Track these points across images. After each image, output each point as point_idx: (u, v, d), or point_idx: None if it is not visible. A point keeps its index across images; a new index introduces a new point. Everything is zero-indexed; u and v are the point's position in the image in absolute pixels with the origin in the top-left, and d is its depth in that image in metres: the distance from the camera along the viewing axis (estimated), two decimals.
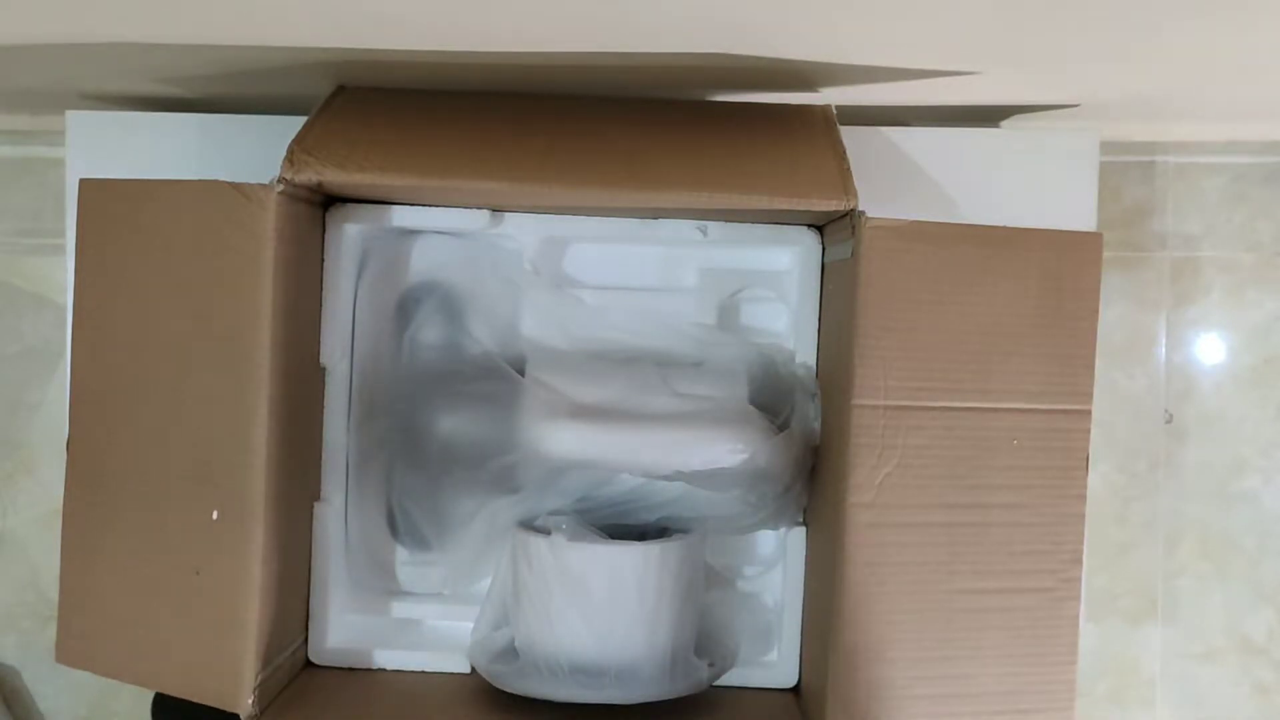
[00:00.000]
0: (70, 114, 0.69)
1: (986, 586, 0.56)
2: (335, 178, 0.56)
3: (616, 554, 0.58)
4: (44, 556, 0.90)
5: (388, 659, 0.65)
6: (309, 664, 0.64)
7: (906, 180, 0.68)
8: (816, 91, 0.64)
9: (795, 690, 0.65)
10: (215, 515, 0.55)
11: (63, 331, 0.75)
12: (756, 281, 0.68)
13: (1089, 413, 0.56)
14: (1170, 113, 0.75)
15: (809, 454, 0.62)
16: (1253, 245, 0.86)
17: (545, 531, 0.59)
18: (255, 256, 0.54)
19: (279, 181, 0.55)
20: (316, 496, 0.64)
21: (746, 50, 0.55)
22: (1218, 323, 0.87)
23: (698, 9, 0.48)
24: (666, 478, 0.61)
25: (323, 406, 0.65)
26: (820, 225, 0.64)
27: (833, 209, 0.57)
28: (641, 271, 0.68)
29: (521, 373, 0.64)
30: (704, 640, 0.63)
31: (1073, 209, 0.68)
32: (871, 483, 0.55)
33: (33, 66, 0.63)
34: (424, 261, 0.67)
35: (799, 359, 0.65)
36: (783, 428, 0.62)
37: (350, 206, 0.64)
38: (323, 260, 0.63)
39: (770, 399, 0.64)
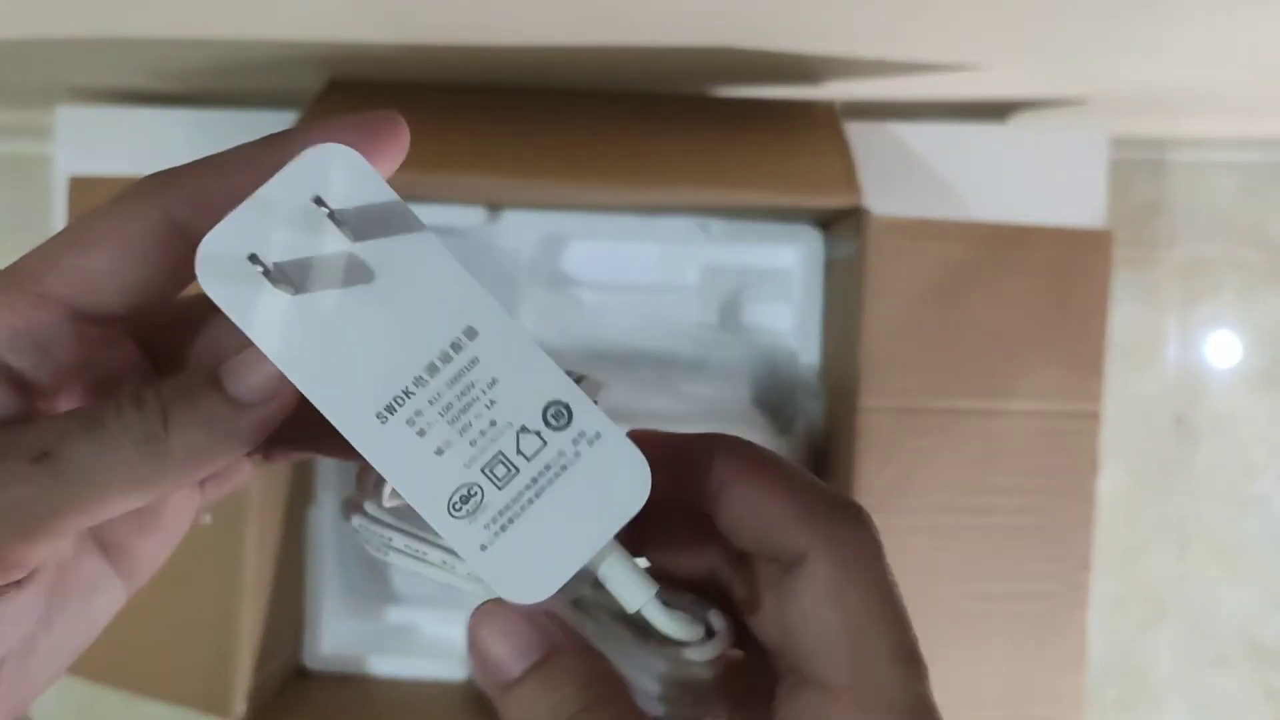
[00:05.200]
0: (60, 109, 0.68)
1: (994, 591, 0.55)
2: None
3: None
4: None
5: (382, 666, 0.64)
6: (302, 671, 0.63)
7: (912, 176, 0.67)
8: (821, 85, 0.64)
9: None
10: (207, 519, 0.54)
11: None
12: (759, 280, 0.67)
13: (1099, 414, 0.56)
14: (1181, 108, 0.75)
15: (813, 456, 0.61)
16: (1264, 243, 0.85)
17: None
18: None
19: None
20: (310, 500, 0.64)
21: (751, 43, 0.54)
22: (1228, 322, 0.86)
23: (700, 1, 0.47)
24: None
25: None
26: (824, 222, 0.64)
27: (837, 205, 0.56)
28: (641, 269, 0.67)
29: None
30: None
31: (1082, 206, 0.67)
32: (877, 485, 0.54)
33: (21, 61, 0.63)
34: None
35: (802, 359, 0.64)
36: (786, 429, 0.61)
37: None
38: None
39: (773, 400, 0.64)
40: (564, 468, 0.18)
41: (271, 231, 0.17)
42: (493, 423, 0.18)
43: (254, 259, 0.17)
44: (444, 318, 0.18)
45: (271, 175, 0.18)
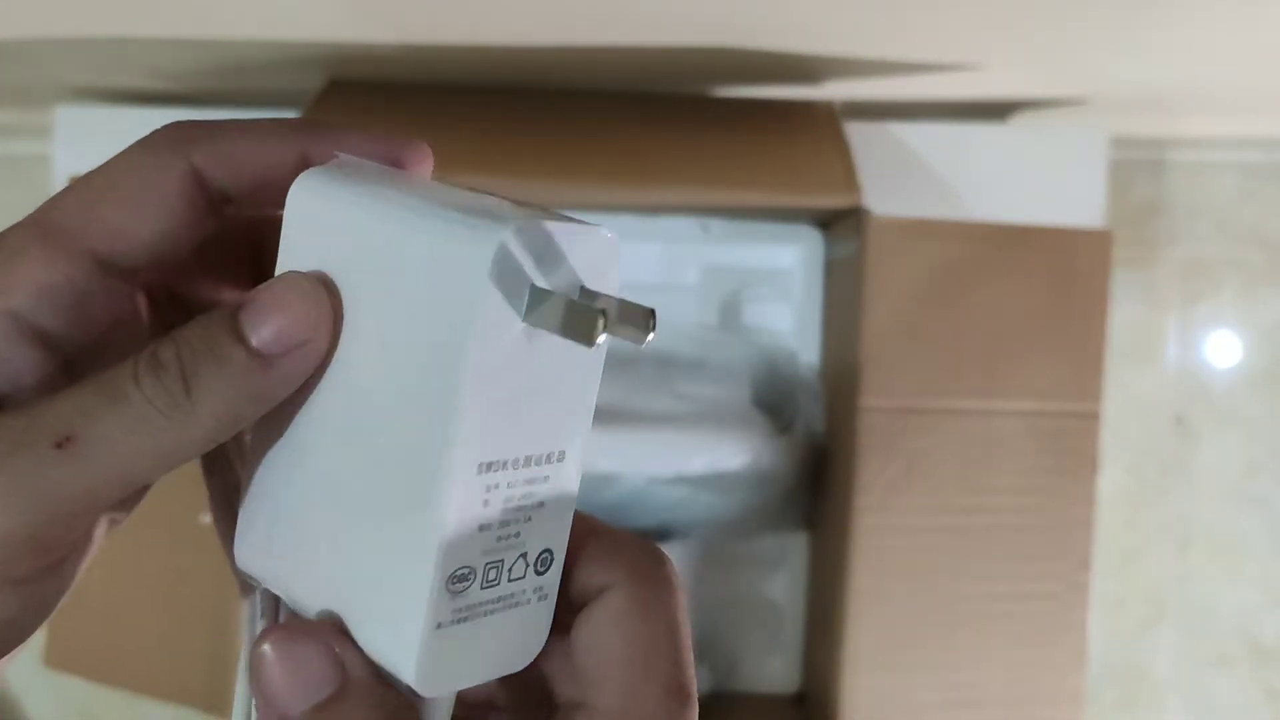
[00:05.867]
0: (60, 109, 0.68)
1: (994, 591, 0.55)
2: None
3: None
4: None
5: None
6: None
7: (912, 176, 0.67)
8: (821, 85, 0.63)
9: (797, 696, 0.64)
10: (206, 519, 0.54)
11: None
12: (759, 280, 0.67)
13: (1099, 414, 0.55)
14: (1181, 108, 0.74)
15: (813, 456, 0.61)
16: (1264, 243, 0.85)
17: None
18: None
19: None
20: None
21: (751, 43, 0.54)
22: (1228, 322, 0.86)
23: (700, 1, 0.47)
24: (668, 481, 0.60)
25: None
26: (824, 222, 0.64)
27: (837, 205, 0.56)
28: (641, 269, 0.67)
29: None
30: (704, 646, 0.62)
31: (1082, 206, 0.67)
32: (877, 485, 0.54)
33: (21, 61, 0.62)
34: None
35: (802, 359, 0.64)
36: (786, 429, 0.61)
37: None
38: None
39: (773, 400, 0.63)
40: (515, 605, 0.19)
41: (537, 263, 0.17)
42: (517, 534, 0.18)
43: (535, 289, 0.17)
44: (560, 425, 0.18)
45: (300, 157, 0.19)
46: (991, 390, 0.55)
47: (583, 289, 0.18)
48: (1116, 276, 0.56)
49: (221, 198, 0.19)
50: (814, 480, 0.62)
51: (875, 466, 0.54)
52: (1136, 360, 0.86)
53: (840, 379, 0.58)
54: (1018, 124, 0.74)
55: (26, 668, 0.93)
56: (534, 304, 0.17)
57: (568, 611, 0.20)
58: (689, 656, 0.20)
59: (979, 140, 0.69)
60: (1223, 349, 0.86)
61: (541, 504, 0.19)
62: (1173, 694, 0.87)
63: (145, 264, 0.18)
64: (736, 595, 0.67)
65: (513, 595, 0.19)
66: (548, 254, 0.17)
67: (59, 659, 0.57)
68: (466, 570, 0.18)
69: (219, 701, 0.54)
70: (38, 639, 0.25)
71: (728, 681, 0.62)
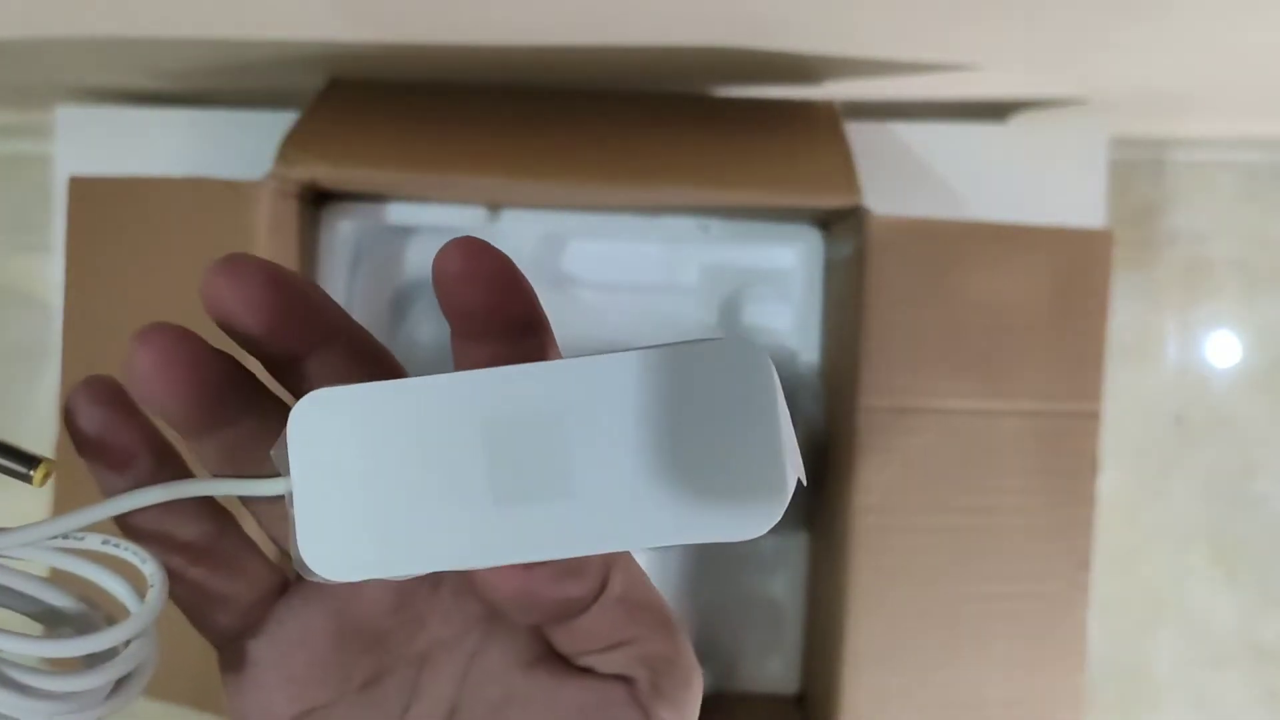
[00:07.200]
0: (60, 109, 0.68)
1: (993, 591, 0.55)
2: (329, 173, 0.55)
3: None
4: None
5: None
6: None
7: (912, 176, 0.67)
8: (821, 85, 0.63)
9: (797, 697, 0.64)
10: None
11: (50, 332, 0.74)
12: (759, 280, 0.67)
13: (1099, 414, 0.55)
14: (1181, 108, 0.74)
15: (812, 456, 0.61)
16: (1264, 243, 0.85)
17: None
18: None
19: (272, 178, 0.54)
20: None
21: (751, 43, 0.54)
22: (1228, 322, 0.86)
23: (700, 1, 0.47)
24: None
25: None
26: (824, 222, 0.64)
27: (837, 205, 0.56)
28: (642, 269, 0.67)
29: None
30: (703, 646, 0.62)
31: (1082, 206, 0.67)
32: (877, 485, 0.54)
33: (21, 61, 0.62)
34: (419, 259, 0.66)
35: (802, 359, 0.64)
36: None
37: (344, 203, 0.63)
38: (316, 258, 0.63)
39: None
40: None
41: None
42: None
43: None
44: None
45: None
46: (991, 390, 0.55)
47: None
48: (1116, 276, 0.56)
49: None
50: (813, 480, 0.62)
51: (875, 466, 0.54)
52: (1136, 360, 0.86)
53: (840, 379, 0.58)
54: (1018, 124, 0.74)
55: None
56: None
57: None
58: None
59: (979, 140, 0.69)
60: (1223, 349, 0.86)
61: None
62: (1173, 694, 0.87)
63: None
64: (736, 595, 0.67)
65: None
66: None
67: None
68: None
69: (209, 699, 0.54)
70: None
71: (727, 682, 0.62)
